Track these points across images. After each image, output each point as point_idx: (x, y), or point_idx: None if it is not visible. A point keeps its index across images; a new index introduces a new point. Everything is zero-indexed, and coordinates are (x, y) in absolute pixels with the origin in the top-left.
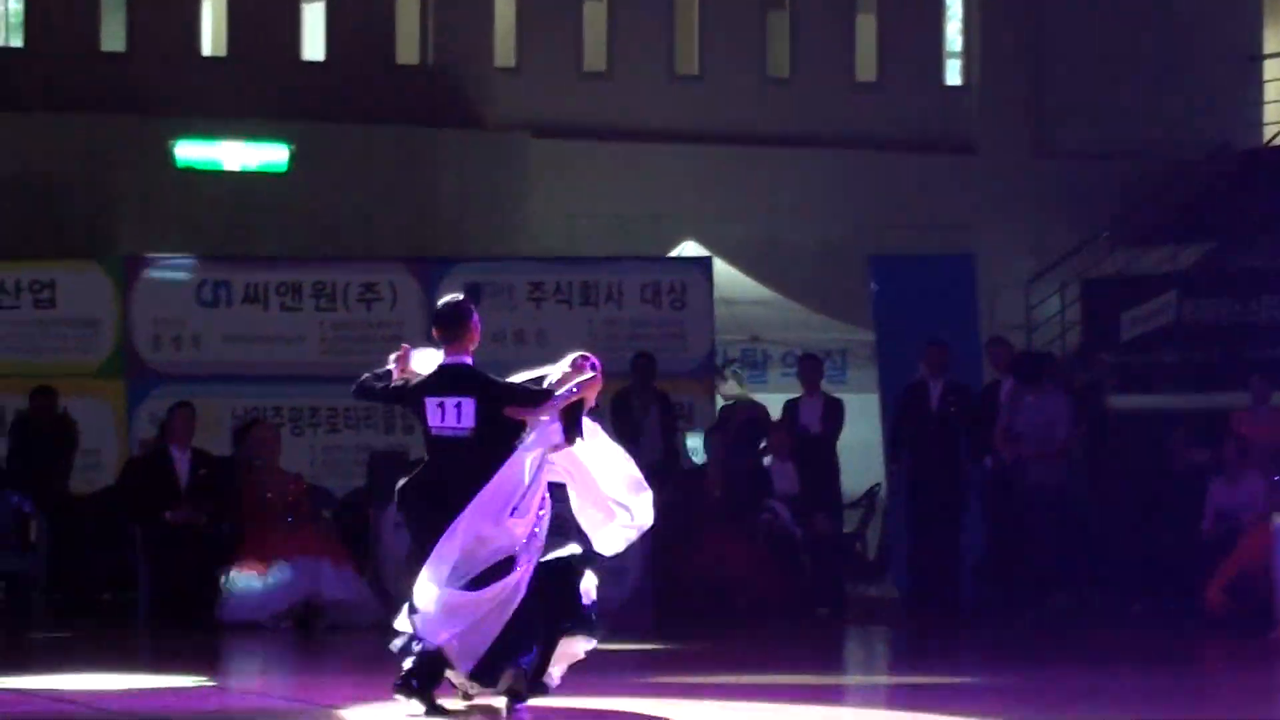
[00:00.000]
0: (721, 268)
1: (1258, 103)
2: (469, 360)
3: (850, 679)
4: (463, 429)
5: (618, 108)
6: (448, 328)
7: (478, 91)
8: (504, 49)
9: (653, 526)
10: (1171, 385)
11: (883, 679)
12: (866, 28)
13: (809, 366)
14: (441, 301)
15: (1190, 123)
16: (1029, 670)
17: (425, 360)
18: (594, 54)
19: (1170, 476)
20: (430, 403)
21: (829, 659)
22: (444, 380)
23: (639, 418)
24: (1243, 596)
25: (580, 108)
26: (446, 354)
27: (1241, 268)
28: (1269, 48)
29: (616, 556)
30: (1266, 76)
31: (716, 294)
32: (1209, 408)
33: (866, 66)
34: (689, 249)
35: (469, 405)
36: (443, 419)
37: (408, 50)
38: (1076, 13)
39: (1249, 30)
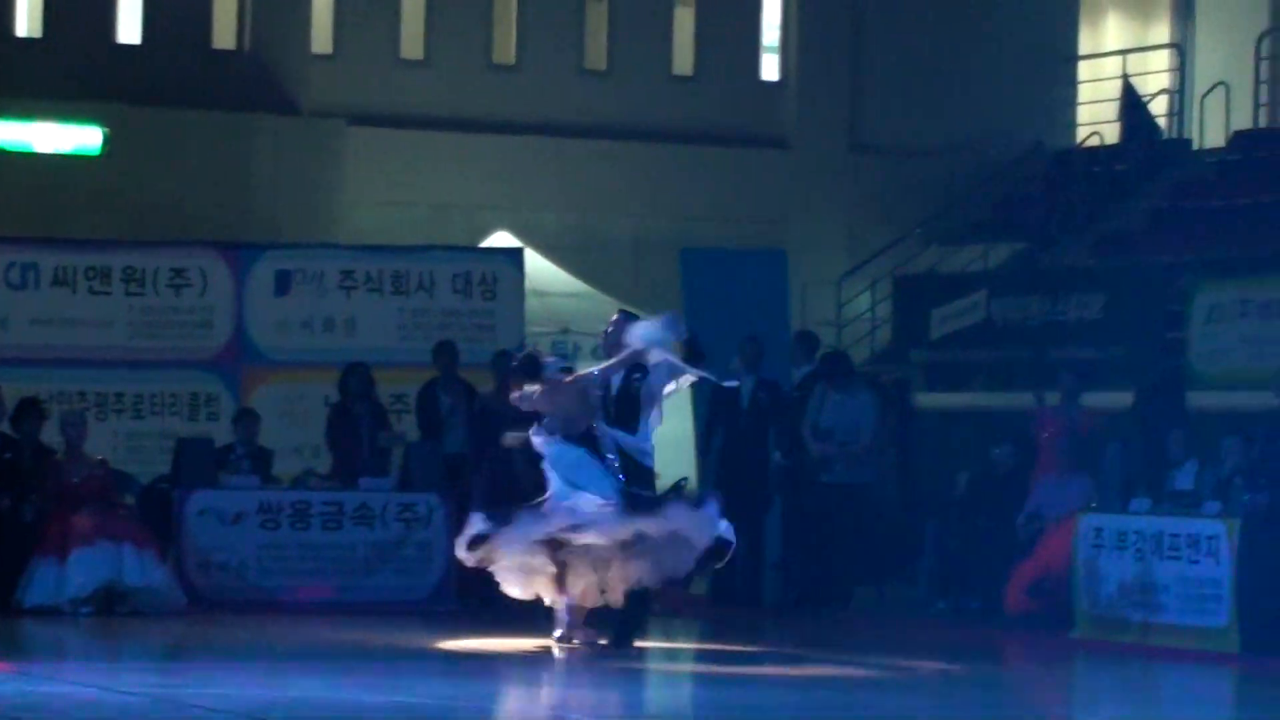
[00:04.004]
0: (534, 259)
1: (1071, 103)
2: None
3: (651, 666)
4: None
5: (434, 96)
6: None
7: (294, 78)
8: (321, 35)
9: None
10: (980, 383)
11: (685, 668)
12: (684, 21)
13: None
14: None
15: (1004, 122)
16: (825, 664)
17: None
18: (411, 42)
19: (985, 474)
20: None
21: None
22: None
23: (445, 408)
24: (1045, 596)
25: (397, 96)
26: None
27: (1051, 267)
28: (1084, 48)
29: (423, 546)
30: (1080, 77)
31: (528, 285)
32: (1017, 406)
33: (683, 60)
34: (501, 239)
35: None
36: None
37: (224, 35)
38: (894, 10)
39: (1064, 30)
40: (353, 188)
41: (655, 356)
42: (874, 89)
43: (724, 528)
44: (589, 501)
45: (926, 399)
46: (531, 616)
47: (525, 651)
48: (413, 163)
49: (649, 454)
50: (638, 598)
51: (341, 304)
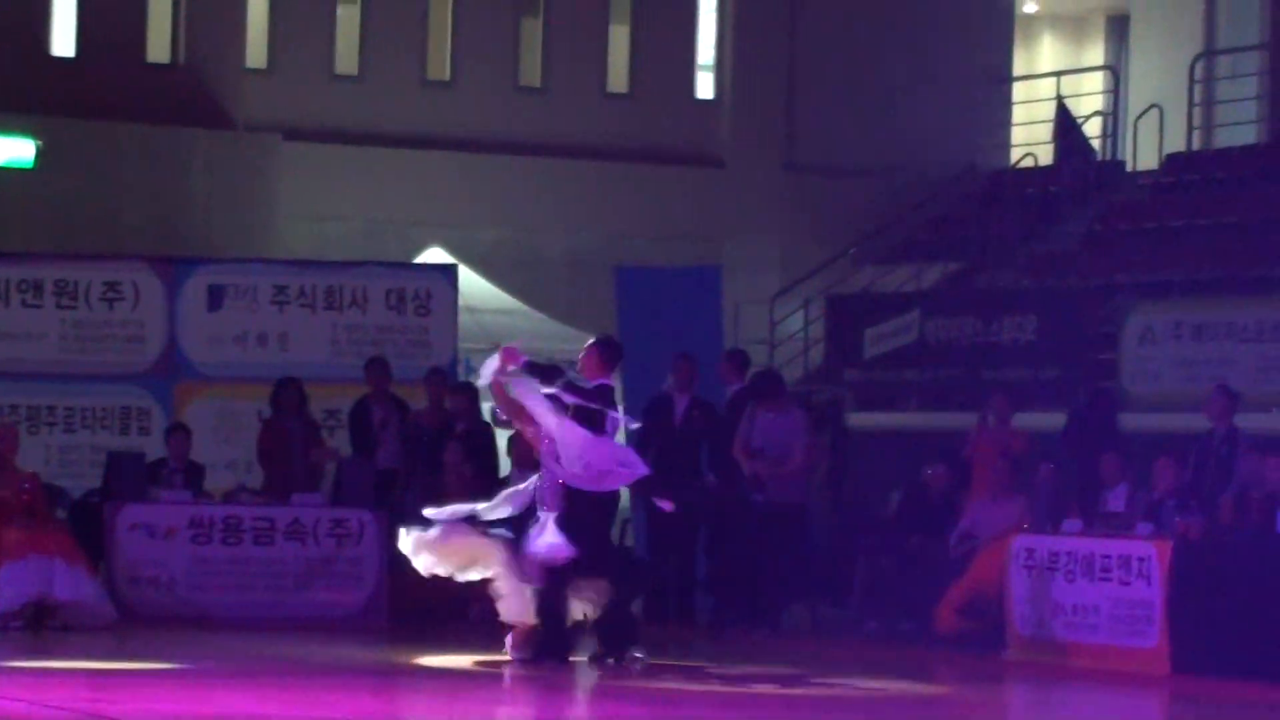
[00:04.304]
0: (467, 275)
1: (1005, 124)
2: None
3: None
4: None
5: (369, 112)
6: (613, 361)
7: (228, 92)
8: (256, 50)
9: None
10: (913, 403)
11: (613, 684)
12: (619, 38)
13: (551, 376)
14: (607, 338)
15: (939, 142)
16: (754, 683)
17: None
18: (346, 57)
19: (917, 494)
20: (611, 414)
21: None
22: (609, 398)
23: (378, 424)
24: (976, 616)
25: (331, 111)
26: (600, 378)
27: (984, 288)
28: (1018, 70)
29: (355, 562)
30: (1015, 98)
31: (461, 301)
32: (950, 427)
33: (618, 77)
34: (435, 255)
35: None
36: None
37: (159, 49)
38: (829, 29)
39: (999, 52)
40: (286, 202)
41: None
42: (809, 108)
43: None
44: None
45: (859, 419)
46: (462, 633)
47: (456, 668)
48: (346, 178)
49: (584, 478)
50: (550, 616)
51: (274, 319)
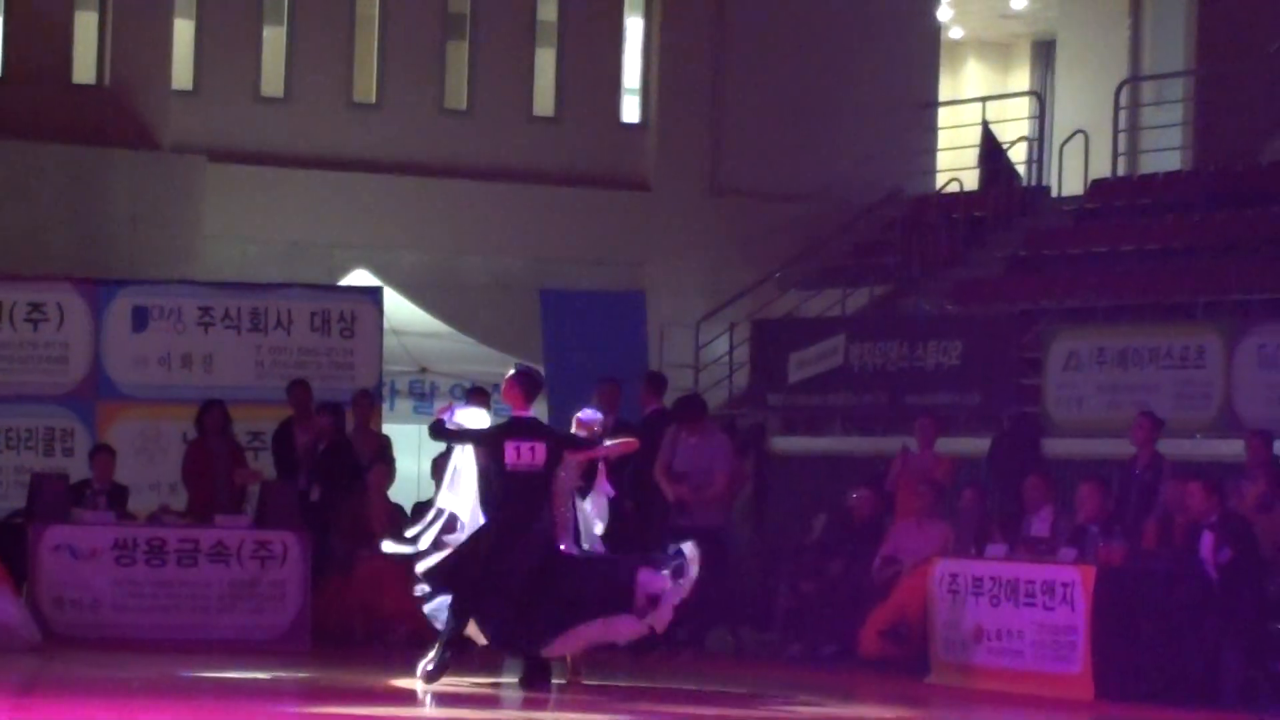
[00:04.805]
0: (392, 298)
1: (931, 149)
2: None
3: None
4: (536, 465)
5: (294, 134)
6: (533, 391)
7: (154, 113)
8: (182, 71)
9: (314, 557)
10: (837, 428)
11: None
12: (545, 62)
13: (476, 399)
14: (526, 369)
15: (864, 167)
16: (676, 703)
17: (468, 416)
18: (272, 79)
19: (841, 519)
20: (509, 445)
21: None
22: (520, 429)
23: (301, 446)
24: (900, 641)
25: (257, 133)
26: (520, 409)
27: (909, 313)
28: (944, 95)
29: (279, 584)
30: (940, 123)
31: (386, 324)
32: (874, 451)
33: (544, 101)
34: (360, 278)
35: (541, 448)
36: (519, 457)
37: (84, 69)
38: (755, 54)
39: (924, 77)
40: (212, 224)
41: None
42: (734, 132)
43: None
44: None
45: (784, 443)
46: (385, 655)
47: (378, 689)
48: (272, 200)
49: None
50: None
51: (199, 340)
